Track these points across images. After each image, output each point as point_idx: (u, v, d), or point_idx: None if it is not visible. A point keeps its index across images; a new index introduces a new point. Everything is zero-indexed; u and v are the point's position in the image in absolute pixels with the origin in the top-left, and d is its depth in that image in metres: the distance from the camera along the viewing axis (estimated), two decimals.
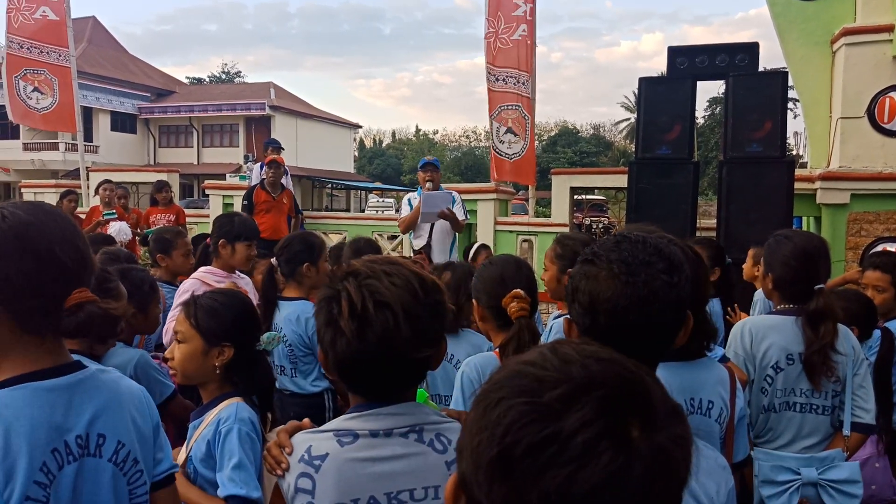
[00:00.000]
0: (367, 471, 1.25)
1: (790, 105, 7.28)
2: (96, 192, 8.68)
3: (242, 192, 8.11)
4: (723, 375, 1.83)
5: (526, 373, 0.66)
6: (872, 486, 2.64)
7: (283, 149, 8.32)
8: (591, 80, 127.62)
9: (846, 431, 2.39)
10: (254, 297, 3.08)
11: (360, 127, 50.23)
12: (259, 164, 8.04)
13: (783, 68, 6.47)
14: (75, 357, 1.34)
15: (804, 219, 6.92)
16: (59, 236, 1.26)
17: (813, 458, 2.32)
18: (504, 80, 7.80)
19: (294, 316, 3.12)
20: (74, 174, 20.62)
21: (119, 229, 7.24)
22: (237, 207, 8.34)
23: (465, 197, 6.72)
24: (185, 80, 48.86)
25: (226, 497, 1.78)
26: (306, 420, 1.38)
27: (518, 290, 1.78)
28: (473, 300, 2.16)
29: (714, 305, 3.02)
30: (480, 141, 65.25)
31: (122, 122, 36.59)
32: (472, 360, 2.13)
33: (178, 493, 1.58)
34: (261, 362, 2.06)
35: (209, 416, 1.92)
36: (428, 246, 6.14)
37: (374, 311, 1.22)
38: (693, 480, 1.18)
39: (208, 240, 3.66)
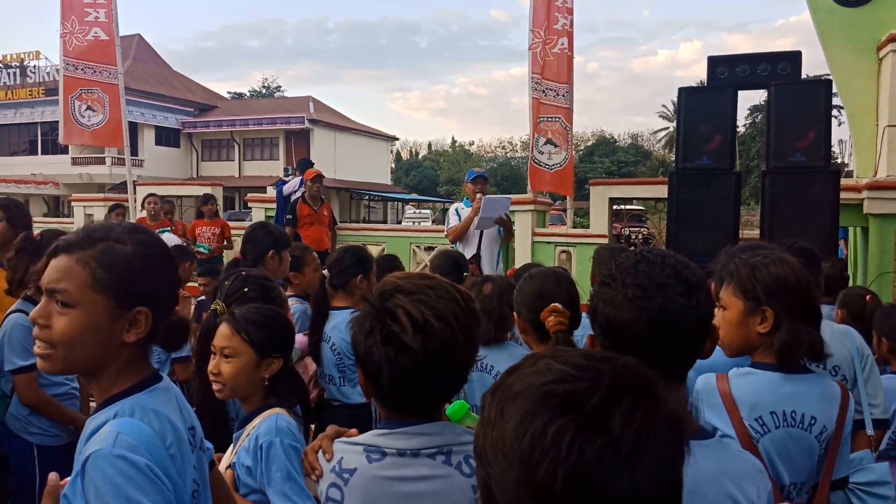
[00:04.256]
0: (393, 489, 1.28)
1: (834, 113, 7.12)
2: (143, 205, 8.92)
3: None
4: (832, 392, 1.83)
5: (555, 391, 0.69)
6: None
7: (314, 163, 8.52)
8: (628, 90, 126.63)
9: (870, 431, 2.42)
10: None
11: (397, 139, 50.63)
12: (299, 178, 8.18)
13: (826, 76, 6.37)
14: None
15: (851, 229, 6.77)
16: None
17: None
18: (544, 91, 7.84)
19: (343, 324, 3.16)
20: (121, 188, 21.20)
21: (169, 240, 7.48)
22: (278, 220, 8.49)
23: None
24: (227, 95, 49.95)
25: None
26: (353, 430, 1.41)
27: (556, 304, 1.80)
28: (514, 313, 2.17)
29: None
30: (516, 151, 65.22)
31: (167, 137, 37.52)
32: None
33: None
34: (296, 373, 2.11)
35: (249, 427, 1.97)
36: (478, 255, 6.15)
37: (436, 324, 1.26)
38: (734, 486, 1.20)
39: (239, 255, 3.55)
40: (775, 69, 5.34)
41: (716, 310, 1.98)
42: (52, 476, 1.25)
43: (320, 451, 1.37)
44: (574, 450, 0.65)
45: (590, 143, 57.38)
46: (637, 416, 0.67)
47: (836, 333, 2.44)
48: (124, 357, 1.32)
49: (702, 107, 5.52)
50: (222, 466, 1.95)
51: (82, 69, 9.83)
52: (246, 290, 2.30)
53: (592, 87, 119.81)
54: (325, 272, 3.30)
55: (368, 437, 1.34)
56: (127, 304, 1.30)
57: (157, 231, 7.79)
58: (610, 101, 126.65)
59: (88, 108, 9.86)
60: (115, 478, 1.17)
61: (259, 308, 2.09)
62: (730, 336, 1.91)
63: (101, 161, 33.30)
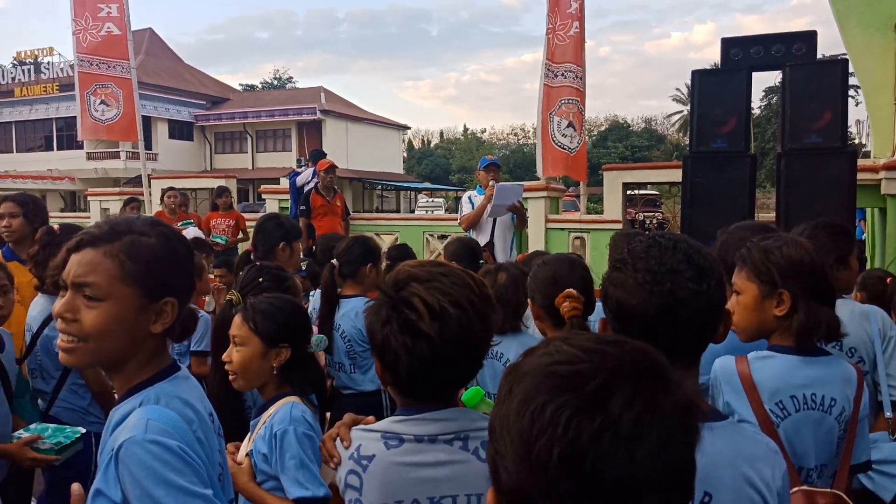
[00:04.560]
0: (411, 475, 1.29)
1: (852, 92, 7.05)
2: (161, 199, 9.00)
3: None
4: (849, 374, 1.84)
5: (558, 372, 0.70)
6: None
7: (326, 154, 8.58)
8: (641, 74, 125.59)
9: (888, 413, 2.40)
10: None
11: (409, 128, 50.56)
12: (312, 169, 8.20)
13: (842, 55, 6.27)
14: None
15: (868, 210, 6.69)
16: None
17: None
18: (563, 74, 7.79)
19: (353, 312, 3.21)
20: (136, 181, 21.37)
21: (192, 233, 7.62)
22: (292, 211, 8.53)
23: None
24: (239, 88, 50.13)
25: (294, 500, 1.84)
26: (370, 417, 1.43)
27: (570, 289, 1.80)
28: (529, 299, 2.18)
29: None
30: (529, 138, 64.86)
31: (180, 130, 37.70)
32: None
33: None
34: (313, 362, 2.12)
35: (265, 415, 2.00)
36: (491, 243, 6.15)
37: (452, 310, 1.27)
38: (749, 468, 1.20)
39: (250, 247, 3.55)
40: (790, 50, 5.27)
41: (731, 295, 1.98)
42: (76, 486, 1.28)
43: (338, 439, 1.39)
44: (571, 428, 0.65)
45: (603, 129, 57.00)
46: (639, 399, 0.67)
47: (856, 314, 2.41)
48: (149, 348, 1.35)
49: (716, 89, 5.46)
50: (241, 454, 1.98)
51: (96, 65, 9.89)
52: (261, 279, 2.34)
53: (605, 72, 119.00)
54: (334, 262, 3.32)
55: (386, 423, 1.36)
56: (155, 295, 1.32)
57: (181, 224, 7.85)
58: (623, 85, 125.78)
59: (103, 102, 9.94)
60: (150, 462, 1.19)
61: (272, 298, 2.11)
62: (745, 321, 1.90)
63: (116, 155, 33.54)
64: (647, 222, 20.21)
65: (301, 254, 3.53)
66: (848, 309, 2.30)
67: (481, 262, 3.57)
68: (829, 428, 1.79)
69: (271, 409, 1.98)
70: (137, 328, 1.32)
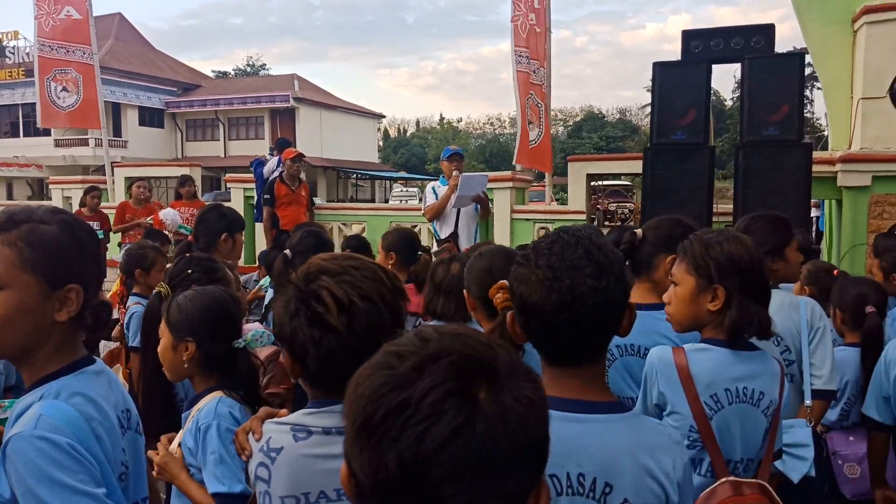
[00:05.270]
0: (318, 467, 1.30)
1: (819, 85, 7.14)
2: (128, 189, 8.85)
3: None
4: (776, 369, 1.89)
5: (389, 351, 0.75)
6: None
7: (291, 142, 8.56)
8: (616, 64, 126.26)
9: (807, 401, 2.46)
10: None
11: (384, 117, 50.34)
12: (278, 158, 8.11)
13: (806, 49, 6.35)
14: None
15: (826, 202, 6.80)
16: None
17: None
18: (530, 60, 7.81)
19: None
20: (104, 169, 21.05)
21: (169, 215, 7.51)
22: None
23: None
24: (211, 74, 49.50)
25: (212, 495, 1.83)
26: (283, 411, 1.43)
27: (504, 281, 1.81)
28: (465, 290, 2.19)
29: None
30: (505, 128, 64.98)
31: (150, 117, 37.12)
32: None
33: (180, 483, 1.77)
34: (242, 358, 2.06)
35: (195, 409, 1.98)
36: (455, 234, 6.15)
37: (361, 304, 1.27)
38: (649, 458, 1.22)
39: (191, 237, 3.46)
40: (749, 42, 5.31)
41: (670, 286, 2.00)
42: None
43: (250, 432, 1.38)
44: (371, 402, 0.69)
45: (578, 119, 57.26)
46: (446, 386, 0.68)
47: (785, 305, 2.47)
48: (56, 338, 1.33)
49: (676, 81, 5.50)
50: (174, 445, 1.97)
51: (56, 49, 9.70)
52: (189, 271, 2.31)
53: (581, 62, 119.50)
54: (287, 252, 3.29)
55: (296, 416, 1.36)
56: (57, 282, 1.30)
57: (179, 228, 7.53)
58: (599, 76, 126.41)
59: (64, 88, 9.75)
60: (36, 459, 1.17)
61: (192, 291, 2.07)
62: (681, 312, 1.93)
63: (85, 142, 32.97)
64: (619, 212, 20.38)
65: (243, 245, 3.47)
66: (778, 299, 2.34)
67: (419, 253, 3.58)
68: (757, 420, 1.83)
69: (200, 403, 1.96)
70: (40, 317, 1.29)
